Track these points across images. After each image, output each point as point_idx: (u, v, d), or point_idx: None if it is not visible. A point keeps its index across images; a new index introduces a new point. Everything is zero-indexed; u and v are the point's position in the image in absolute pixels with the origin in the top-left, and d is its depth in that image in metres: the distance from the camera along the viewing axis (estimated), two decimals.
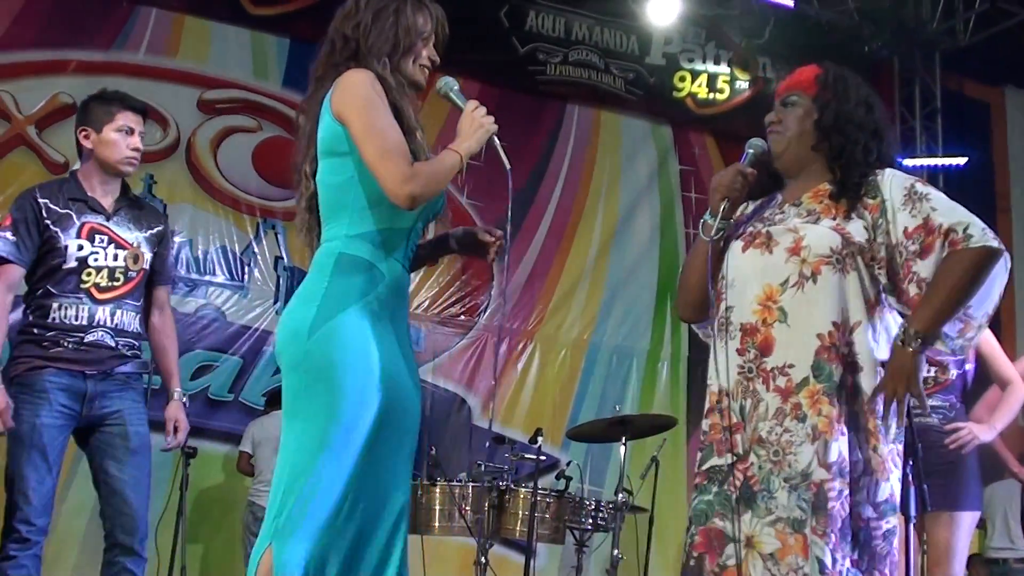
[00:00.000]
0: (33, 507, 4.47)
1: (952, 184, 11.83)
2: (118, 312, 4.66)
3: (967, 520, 5.03)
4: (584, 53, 10.88)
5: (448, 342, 9.87)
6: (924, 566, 5.10)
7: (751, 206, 3.59)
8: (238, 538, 8.74)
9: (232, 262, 9.48)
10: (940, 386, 5.09)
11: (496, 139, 3.38)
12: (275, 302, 9.54)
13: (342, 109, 3.20)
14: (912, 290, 3.25)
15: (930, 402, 5.08)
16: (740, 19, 11.42)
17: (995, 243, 3.20)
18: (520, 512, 7.06)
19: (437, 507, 7.13)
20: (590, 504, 7.28)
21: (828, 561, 3.07)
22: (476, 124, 3.35)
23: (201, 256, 9.34)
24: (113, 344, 4.63)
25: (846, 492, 3.15)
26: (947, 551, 4.98)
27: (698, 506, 3.31)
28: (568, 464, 7.53)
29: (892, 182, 3.33)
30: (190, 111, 9.53)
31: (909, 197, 3.28)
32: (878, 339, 3.29)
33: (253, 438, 8.70)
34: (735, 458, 3.26)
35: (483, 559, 6.88)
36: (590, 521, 7.25)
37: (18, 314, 4.89)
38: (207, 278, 9.36)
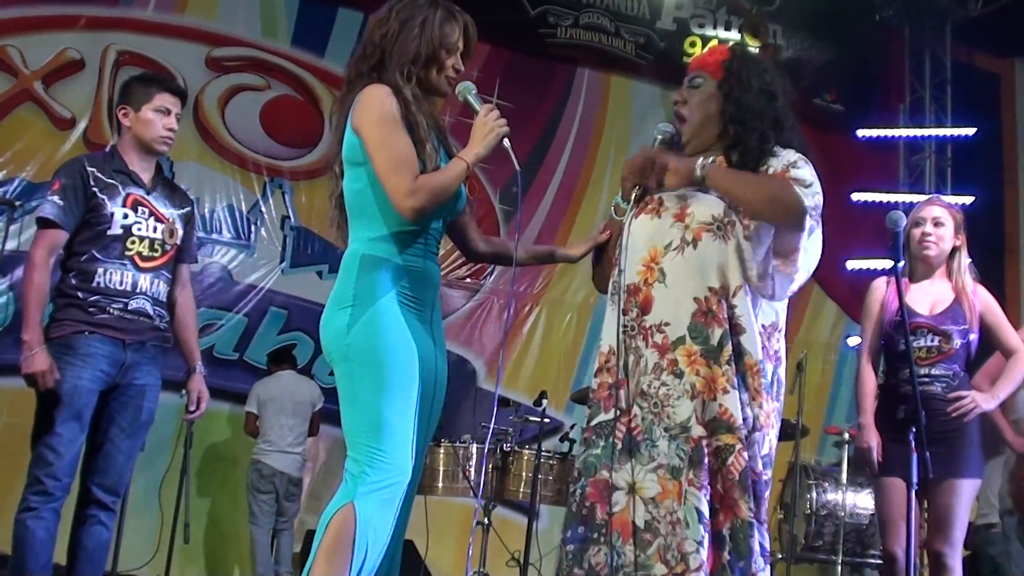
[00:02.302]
0: (63, 463, 4.58)
1: (960, 155, 11.84)
2: (157, 281, 4.83)
3: (968, 488, 5.03)
4: (595, 17, 10.86)
5: (455, 304, 9.89)
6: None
7: None
8: (242, 495, 8.78)
9: (239, 221, 9.50)
10: (944, 355, 5.09)
11: (507, 141, 3.48)
12: (281, 261, 9.59)
13: (359, 123, 3.42)
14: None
15: (933, 370, 5.10)
16: None
17: (811, 209, 3.31)
18: (523, 474, 7.10)
19: (441, 468, 7.17)
20: None
21: (706, 512, 3.22)
22: (487, 129, 3.47)
23: (207, 214, 9.36)
24: (152, 313, 4.80)
25: (739, 446, 3.28)
26: (948, 518, 4.99)
27: (587, 459, 3.45)
28: (572, 427, 7.52)
29: (783, 159, 3.44)
30: (198, 69, 9.53)
31: (788, 167, 3.40)
32: (759, 304, 3.41)
33: (259, 398, 8.74)
34: (619, 412, 3.40)
35: (486, 520, 6.93)
36: None
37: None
38: (213, 236, 9.38)
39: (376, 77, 3.49)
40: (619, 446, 3.37)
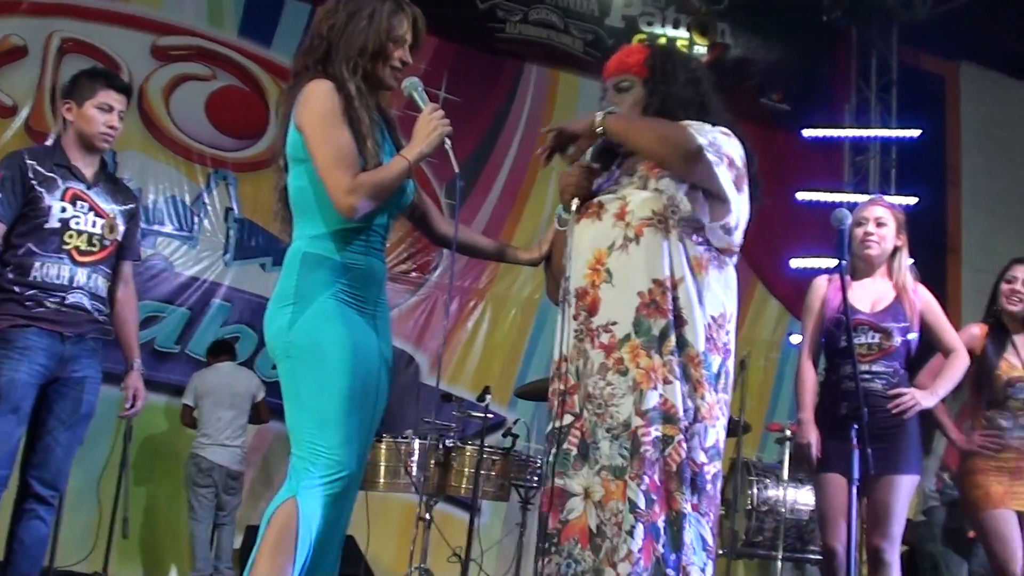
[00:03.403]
0: (1, 456, 4.57)
1: (905, 156, 11.96)
2: (95, 276, 4.84)
3: (907, 484, 5.06)
4: (544, 13, 10.84)
5: (399, 299, 9.82)
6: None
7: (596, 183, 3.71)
8: (181, 489, 8.70)
9: (182, 212, 9.41)
10: (884, 352, 5.12)
11: (448, 141, 3.48)
12: (224, 253, 9.49)
13: (301, 120, 3.40)
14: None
15: (873, 367, 5.12)
16: None
17: (706, 146, 3.31)
18: (466, 470, 7.08)
19: (383, 463, 7.15)
20: (536, 462, 7.31)
21: (640, 502, 3.22)
22: (430, 128, 3.46)
23: (151, 205, 9.24)
24: (90, 307, 4.81)
25: (679, 437, 3.28)
26: (887, 513, 5.02)
27: (543, 468, 3.48)
28: (515, 422, 7.54)
29: (707, 136, 3.42)
30: (143, 57, 9.41)
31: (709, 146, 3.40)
32: (704, 294, 3.41)
33: (196, 391, 8.66)
34: (573, 418, 3.42)
35: (427, 516, 6.90)
36: (535, 479, 7.28)
37: None
38: (156, 227, 9.27)
39: (322, 70, 3.46)
40: (574, 452, 3.38)
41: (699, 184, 3.39)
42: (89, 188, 4.86)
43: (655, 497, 3.23)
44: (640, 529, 3.20)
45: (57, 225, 4.73)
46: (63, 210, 4.75)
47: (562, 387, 3.46)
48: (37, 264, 4.68)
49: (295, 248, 3.45)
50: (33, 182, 4.71)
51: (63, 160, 4.83)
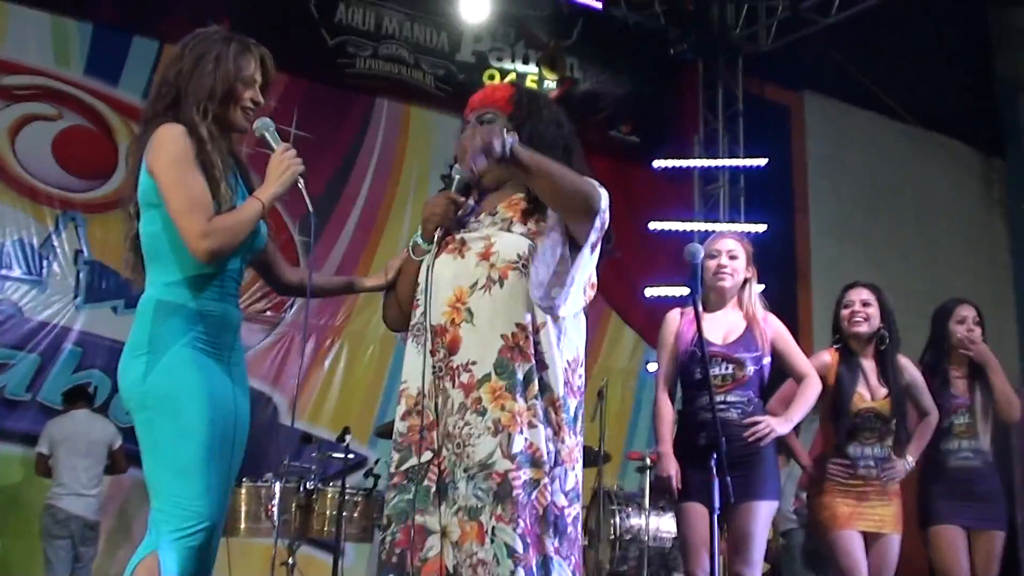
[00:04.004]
0: None
1: (753, 184, 12.22)
2: None
3: (766, 510, 5.15)
4: (394, 48, 10.84)
5: (254, 339, 9.70)
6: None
7: None
8: (36, 542, 8.44)
9: (30, 255, 9.17)
10: (737, 382, 5.21)
11: (301, 180, 3.48)
12: (75, 296, 9.27)
13: (152, 164, 3.36)
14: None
15: (728, 398, 5.20)
16: (549, 19, 11.55)
17: (602, 211, 3.38)
18: (328, 511, 7.04)
19: (243, 508, 7.06)
20: None
21: (518, 546, 3.21)
22: (283, 167, 3.46)
23: None
24: None
25: (544, 481, 3.30)
26: (747, 540, 5.10)
27: (398, 504, 3.42)
28: (376, 462, 7.47)
29: None
30: None
31: None
32: (562, 339, 3.45)
33: (51, 438, 8.42)
34: (432, 454, 3.39)
35: (290, 560, 6.83)
36: None
37: None
38: (3, 272, 9.04)
39: (172, 116, 3.43)
40: (432, 489, 3.35)
41: (576, 237, 3.41)
42: None
43: (529, 540, 3.23)
44: (521, 573, 3.18)
45: None
46: None
47: (419, 423, 3.43)
48: None
49: (148, 295, 3.41)
50: None
51: None
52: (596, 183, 3.43)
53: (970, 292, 6.87)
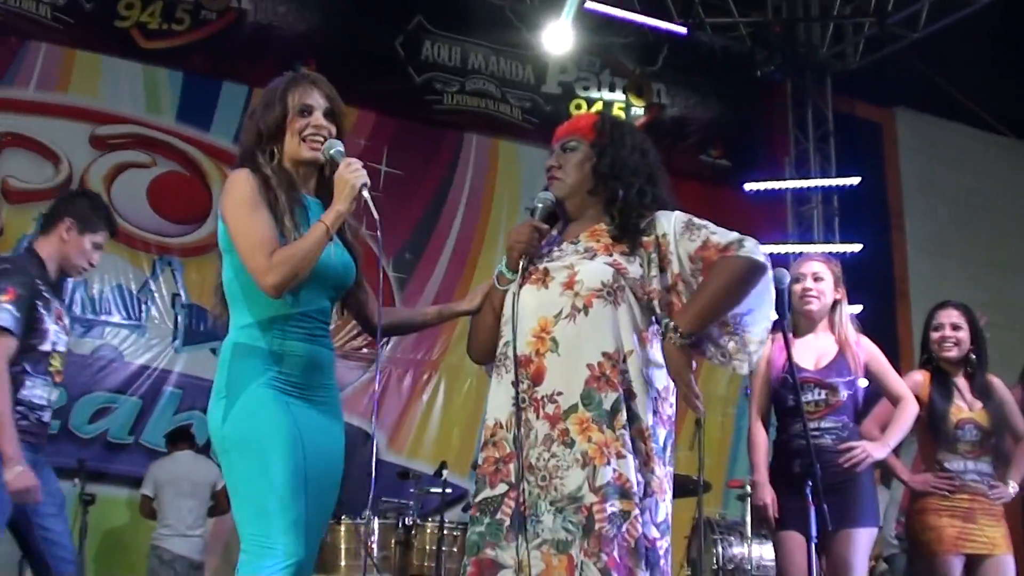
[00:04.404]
0: None
1: (847, 204, 12.05)
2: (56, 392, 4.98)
3: (865, 536, 5.06)
4: (481, 83, 10.91)
5: (352, 375, 9.79)
6: None
7: None
8: None
9: (129, 301, 9.35)
10: (831, 408, 5.14)
11: (366, 192, 3.40)
12: (173, 340, 9.44)
13: (223, 211, 3.39)
14: None
15: (822, 424, 5.14)
16: (634, 46, 11.55)
17: (762, 258, 3.40)
18: (427, 547, 7.04)
19: (343, 546, 7.09)
20: None
21: None
22: (344, 183, 3.38)
23: (96, 295, 9.20)
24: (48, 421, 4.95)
25: (635, 512, 3.24)
26: (846, 568, 5.01)
27: (471, 537, 3.41)
28: None
29: (672, 219, 3.50)
30: (82, 147, 9.39)
31: (688, 227, 3.48)
32: (651, 367, 3.43)
33: (155, 481, 8.54)
34: (507, 487, 3.36)
35: None
36: None
37: None
38: (103, 318, 9.22)
39: (239, 164, 3.49)
40: (506, 522, 3.32)
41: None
42: (61, 304, 4.94)
43: (615, 574, 3.17)
44: None
45: (49, 347, 4.80)
46: (56, 332, 4.83)
47: (497, 455, 3.41)
48: (29, 383, 4.74)
49: (227, 339, 3.42)
50: (38, 303, 4.75)
51: (48, 278, 4.87)
52: (737, 239, 3.41)
53: None
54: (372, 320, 3.76)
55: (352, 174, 3.38)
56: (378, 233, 3.40)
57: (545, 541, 3.24)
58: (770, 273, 3.43)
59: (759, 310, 3.44)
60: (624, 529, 3.21)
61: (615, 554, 3.18)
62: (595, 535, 3.19)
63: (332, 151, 3.48)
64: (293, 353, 3.36)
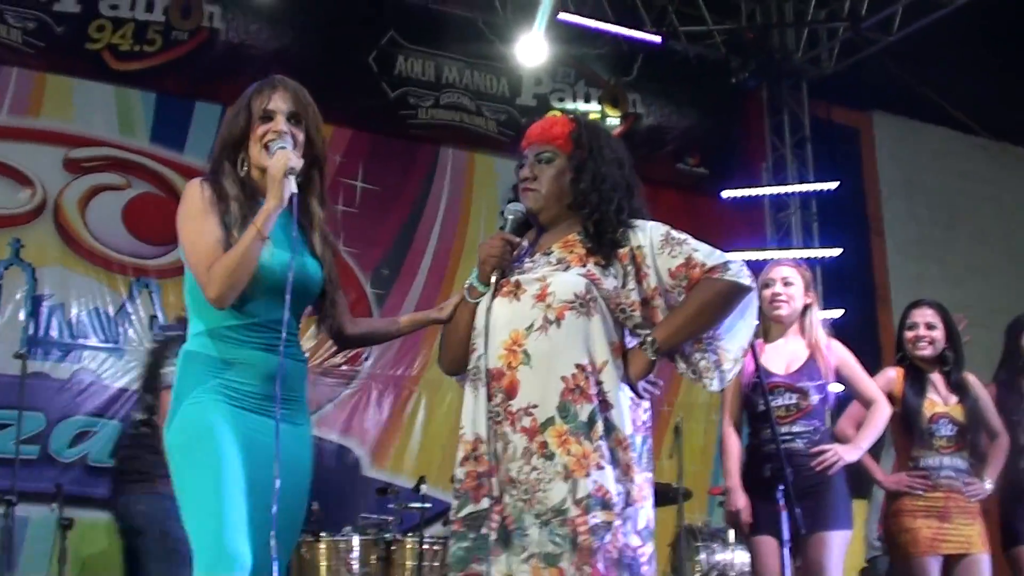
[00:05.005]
0: None
1: (825, 209, 12.07)
2: None
3: (839, 539, 5.06)
4: (455, 96, 10.88)
5: (331, 392, 9.76)
6: None
7: None
8: None
9: (106, 324, 9.29)
10: (802, 412, 5.14)
11: (291, 178, 3.27)
12: None
13: (176, 222, 3.35)
14: None
15: (793, 428, 5.13)
16: (608, 57, 11.55)
17: (748, 281, 3.40)
18: (407, 562, 7.01)
19: (323, 563, 7.05)
20: None
21: None
22: (270, 178, 3.28)
23: (74, 319, 9.13)
24: None
25: (616, 523, 3.23)
26: (821, 571, 5.01)
27: (456, 552, 3.38)
28: None
29: (648, 231, 3.49)
30: (56, 171, 9.32)
31: (667, 242, 3.46)
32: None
33: None
34: (492, 501, 3.32)
35: None
36: None
37: None
38: (81, 341, 9.14)
39: (210, 172, 3.43)
40: (493, 537, 3.29)
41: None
42: None
43: None
44: None
45: None
46: None
47: (479, 469, 3.37)
48: None
49: (182, 349, 3.37)
50: None
51: None
52: (722, 262, 3.42)
53: None
54: (345, 331, 3.66)
55: (275, 164, 3.29)
56: (294, 212, 3.28)
57: (533, 555, 3.22)
58: (754, 295, 3.45)
59: (738, 329, 3.44)
60: (607, 540, 3.20)
61: (599, 566, 3.17)
62: (580, 548, 3.17)
63: (275, 148, 3.36)
64: (244, 362, 3.29)
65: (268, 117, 3.41)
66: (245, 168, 3.42)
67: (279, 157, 3.29)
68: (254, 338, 3.31)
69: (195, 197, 3.31)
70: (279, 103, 3.43)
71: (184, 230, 3.30)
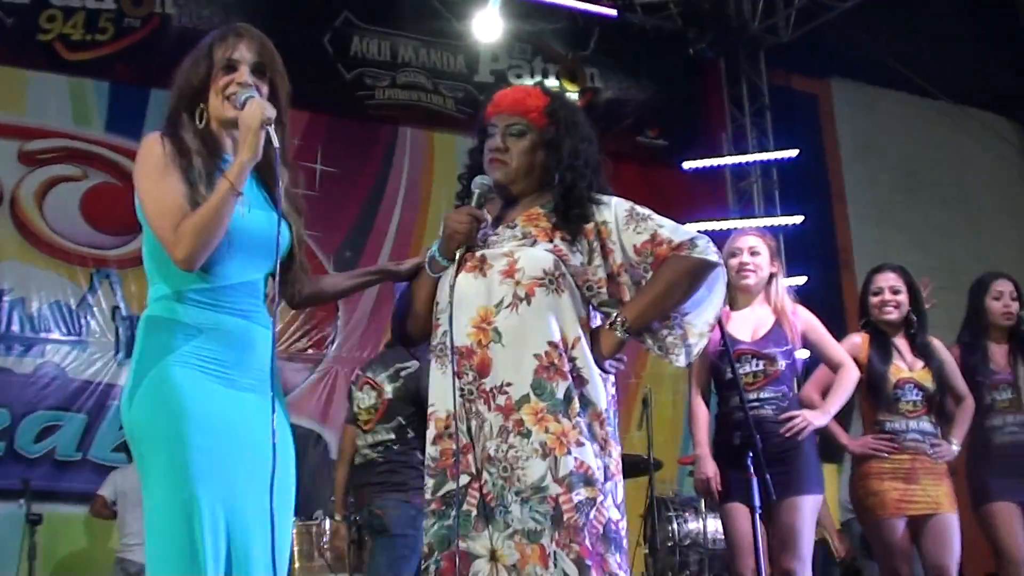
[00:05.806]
0: None
1: (787, 177, 12.10)
2: None
3: (810, 503, 5.06)
4: (412, 75, 10.86)
5: (298, 377, 9.73)
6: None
7: None
8: None
9: (68, 316, 9.23)
10: (769, 378, 5.14)
11: (270, 128, 3.05)
12: (116, 353, 9.31)
13: (134, 179, 3.13)
14: None
15: (762, 394, 5.13)
16: (564, 32, 11.53)
17: (715, 257, 3.40)
18: None
19: (296, 547, 7.00)
20: None
21: (573, 572, 3.12)
22: (244, 129, 3.05)
23: (35, 313, 9.08)
24: None
25: (600, 498, 3.22)
26: (793, 535, 5.01)
27: (439, 531, 3.33)
28: None
29: (613, 206, 3.45)
30: (11, 164, 9.26)
31: (631, 217, 3.43)
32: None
33: (116, 486, 8.37)
34: (470, 478, 3.29)
35: None
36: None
37: None
38: (43, 335, 9.09)
39: (167, 125, 3.18)
40: (474, 513, 3.26)
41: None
42: None
43: (590, 563, 3.13)
44: None
45: None
46: None
47: (454, 446, 3.30)
48: None
49: (143, 314, 3.11)
50: None
51: None
52: (689, 239, 3.39)
53: (1017, 267, 6.76)
54: (303, 291, 3.42)
55: (250, 114, 3.05)
56: (276, 160, 3.13)
57: (516, 531, 3.19)
58: (722, 270, 3.43)
59: (705, 305, 3.42)
60: (592, 516, 3.19)
61: (587, 542, 3.15)
62: (566, 526, 3.15)
63: (243, 98, 3.12)
64: (217, 327, 3.08)
65: (231, 67, 3.18)
66: (204, 121, 3.18)
67: (253, 106, 3.06)
68: (224, 302, 3.11)
69: (155, 152, 3.07)
70: (244, 52, 3.19)
71: (144, 187, 3.06)
